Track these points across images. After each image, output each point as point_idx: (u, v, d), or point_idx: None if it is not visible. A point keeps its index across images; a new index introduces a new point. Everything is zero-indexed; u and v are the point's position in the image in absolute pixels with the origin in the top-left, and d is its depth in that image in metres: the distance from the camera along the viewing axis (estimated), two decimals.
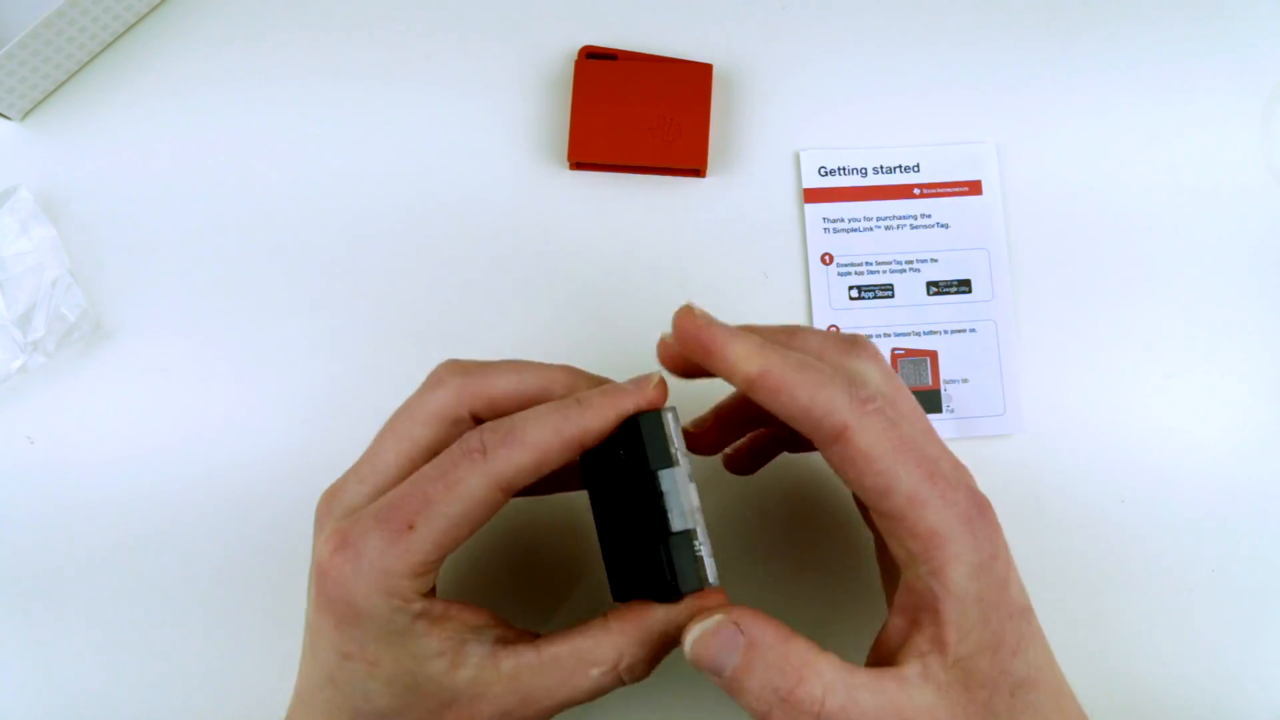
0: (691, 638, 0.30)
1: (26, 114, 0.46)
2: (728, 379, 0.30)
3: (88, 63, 0.47)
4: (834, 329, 0.45)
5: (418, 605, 0.30)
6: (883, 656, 0.31)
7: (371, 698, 0.31)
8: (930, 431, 0.32)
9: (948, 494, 0.29)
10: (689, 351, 0.30)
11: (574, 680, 0.31)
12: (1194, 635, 0.43)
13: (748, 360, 0.30)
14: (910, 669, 0.30)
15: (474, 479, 0.30)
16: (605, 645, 0.31)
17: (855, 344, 0.33)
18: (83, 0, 0.43)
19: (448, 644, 0.31)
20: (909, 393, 0.33)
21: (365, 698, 0.31)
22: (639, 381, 0.32)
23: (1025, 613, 0.31)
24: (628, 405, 0.31)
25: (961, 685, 0.30)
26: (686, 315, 0.30)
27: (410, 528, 0.30)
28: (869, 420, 0.29)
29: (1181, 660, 0.42)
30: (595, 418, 0.31)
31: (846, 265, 0.45)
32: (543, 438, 0.30)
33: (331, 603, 0.30)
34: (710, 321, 0.30)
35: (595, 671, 0.31)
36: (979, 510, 0.30)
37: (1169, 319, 0.45)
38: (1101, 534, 0.43)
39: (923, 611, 0.30)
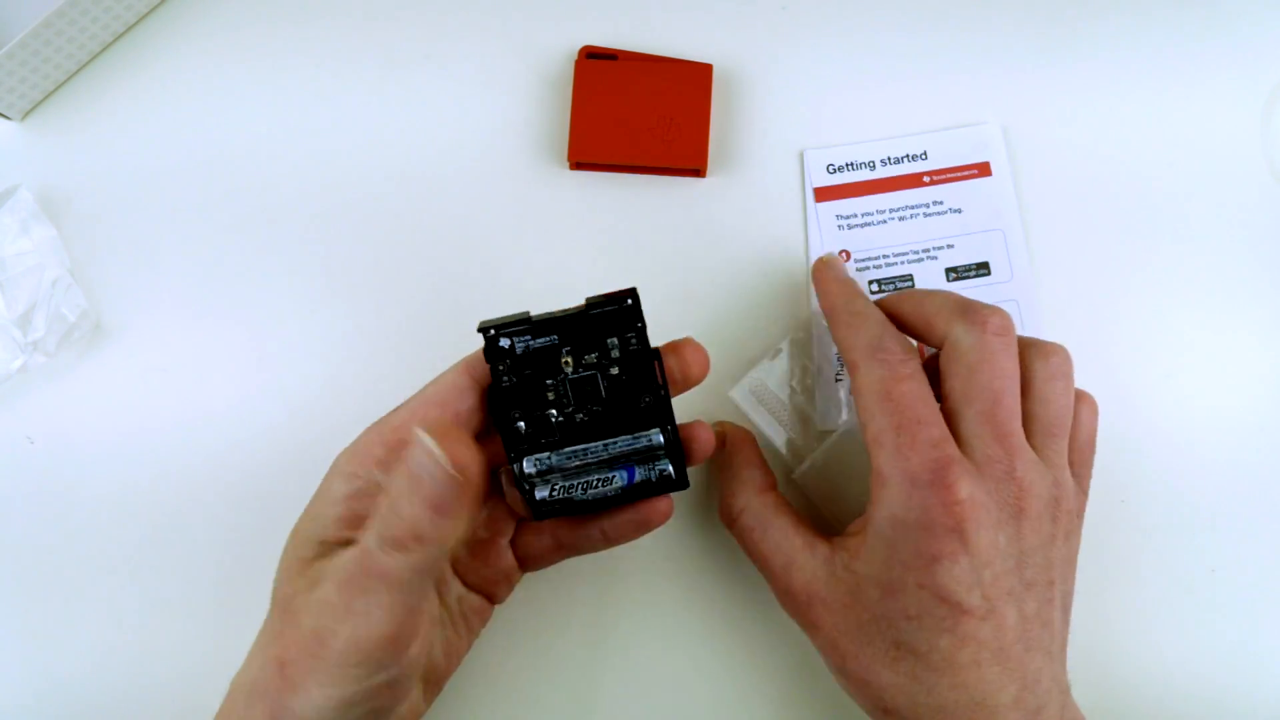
0: (716, 427, 0.41)
1: (26, 114, 0.46)
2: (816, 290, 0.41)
3: (88, 63, 0.47)
4: None
5: (357, 482, 0.34)
6: (838, 533, 0.37)
7: (277, 570, 0.34)
8: (999, 420, 0.34)
9: (905, 449, 0.33)
10: (815, 278, 0.41)
11: (355, 552, 0.31)
12: (1196, 633, 0.43)
13: (818, 282, 0.41)
14: (823, 547, 0.36)
15: (451, 369, 0.36)
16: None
17: (974, 307, 0.36)
18: (83, 0, 0.43)
19: (337, 534, 0.33)
20: (1006, 373, 0.35)
21: (277, 569, 0.34)
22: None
23: (948, 604, 0.32)
24: None
25: (848, 588, 0.35)
26: (822, 261, 0.42)
27: (396, 408, 0.35)
28: (870, 365, 0.35)
29: (1182, 659, 0.42)
30: None
31: (864, 260, 0.45)
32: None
33: None
34: (829, 263, 0.42)
35: (363, 532, 0.31)
36: (931, 478, 0.33)
37: (1188, 278, 0.45)
38: (1109, 525, 0.43)
39: (861, 525, 0.35)
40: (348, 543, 0.32)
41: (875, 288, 0.45)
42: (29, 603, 0.43)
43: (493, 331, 0.34)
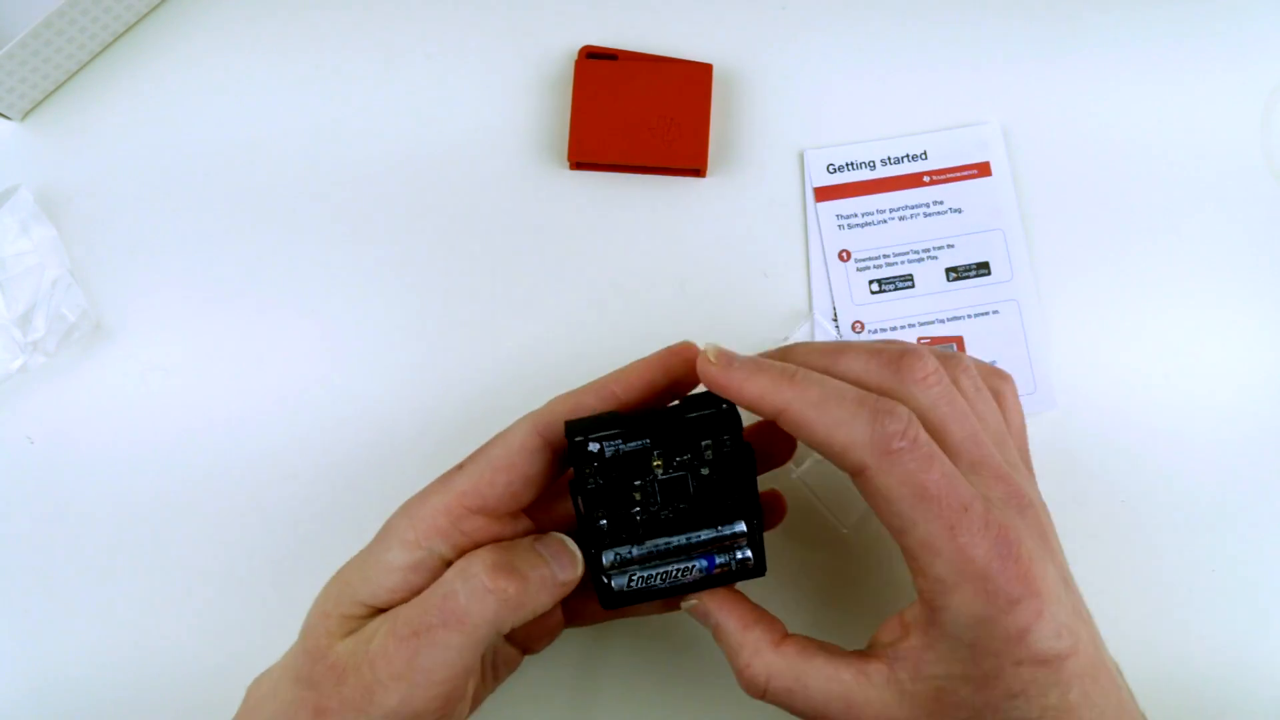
0: (684, 605, 0.35)
1: (26, 114, 0.46)
2: (755, 414, 0.32)
3: (88, 63, 0.47)
4: (858, 325, 0.45)
5: (418, 554, 0.32)
6: (874, 644, 0.33)
7: (310, 614, 0.34)
8: (985, 459, 0.32)
9: (967, 547, 0.30)
10: (713, 389, 0.32)
11: (430, 597, 0.32)
12: (1197, 633, 0.43)
13: (764, 400, 0.31)
14: (877, 666, 0.32)
15: (517, 426, 0.34)
16: (454, 567, 0.32)
17: (902, 365, 0.32)
18: (83, 0, 0.43)
19: (390, 602, 0.33)
20: (968, 412, 0.33)
21: (311, 614, 0.34)
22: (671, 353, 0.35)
23: (1049, 663, 0.30)
24: (656, 358, 0.35)
25: (931, 698, 0.31)
26: (704, 363, 0.32)
27: (460, 469, 0.34)
28: (889, 462, 0.30)
29: (1182, 659, 0.42)
30: (629, 371, 0.35)
31: (865, 260, 0.45)
32: (579, 389, 0.34)
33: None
34: (728, 363, 0.32)
35: (447, 576, 0.32)
36: (1000, 562, 0.30)
37: (1188, 278, 0.45)
38: (1109, 525, 0.43)
39: (916, 628, 0.32)
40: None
41: (876, 287, 0.45)
42: (28, 602, 0.43)
43: (579, 438, 0.32)
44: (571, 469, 0.33)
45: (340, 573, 0.34)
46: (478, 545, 0.33)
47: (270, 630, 0.42)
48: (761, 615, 0.34)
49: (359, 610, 0.33)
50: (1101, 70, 0.47)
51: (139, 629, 0.43)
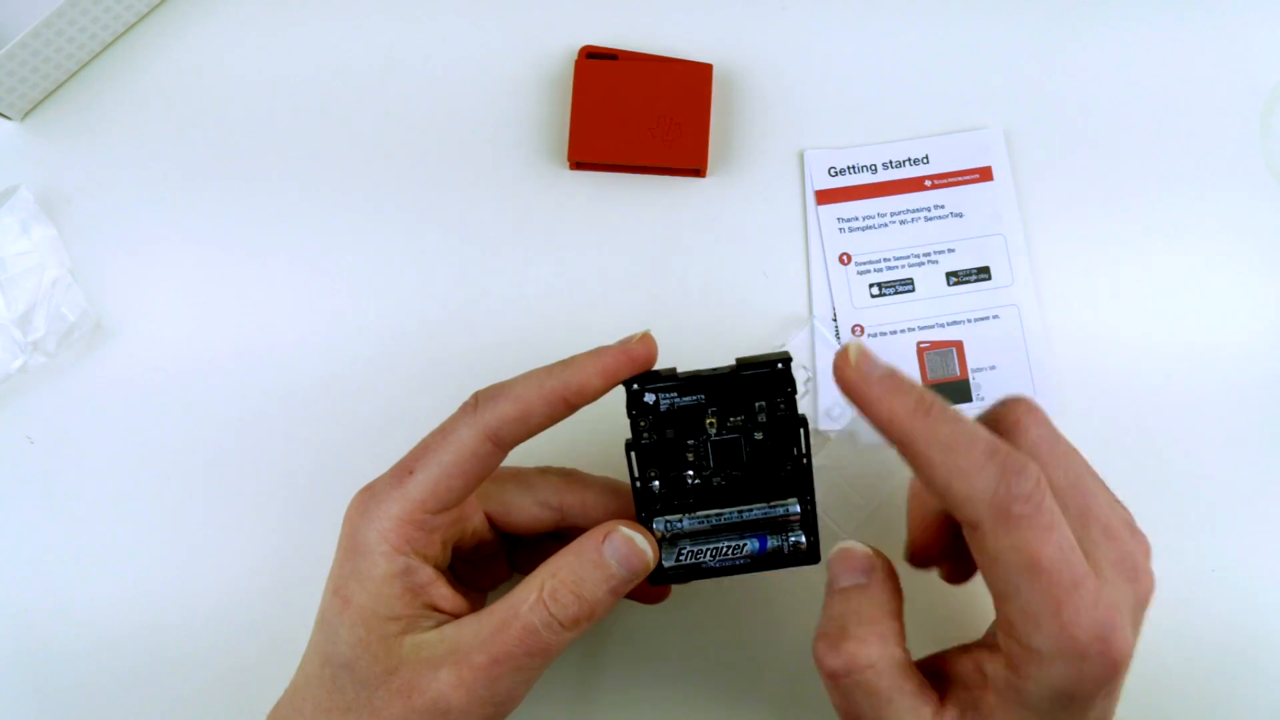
0: (840, 545, 0.33)
1: (26, 114, 0.46)
2: (875, 429, 0.30)
3: (88, 63, 0.47)
4: (858, 328, 0.45)
5: (402, 561, 0.32)
6: (945, 674, 0.32)
7: (338, 642, 0.32)
8: (1090, 509, 0.31)
9: (1070, 626, 0.28)
10: (845, 394, 0.30)
11: (507, 628, 0.32)
12: (1197, 633, 0.43)
13: (892, 424, 0.30)
14: (954, 712, 0.31)
15: (465, 429, 0.33)
16: (530, 583, 0.32)
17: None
18: (83, 0, 0.43)
19: (409, 609, 0.33)
20: (1071, 450, 0.32)
21: (333, 641, 0.33)
22: (624, 340, 0.33)
23: None
24: (609, 361, 0.33)
25: None
26: (842, 363, 0.30)
27: (410, 473, 0.33)
28: (1007, 526, 0.28)
29: (1182, 659, 0.43)
30: (577, 374, 0.33)
31: (865, 263, 0.45)
32: (526, 391, 0.33)
33: (341, 539, 0.34)
34: (866, 374, 0.30)
35: (524, 608, 0.32)
36: (1100, 646, 0.28)
37: (1190, 283, 0.45)
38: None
39: (995, 689, 0.30)
40: (426, 612, 0.33)
41: (876, 290, 0.45)
42: (27, 601, 0.43)
43: (636, 386, 0.33)
44: None
45: (340, 595, 0.33)
46: (445, 540, 0.34)
47: (271, 629, 0.43)
48: (901, 611, 0.32)
49: (396, 627, 0.33)
50: (1103, 74, 0.47)
51: (140, 629, 0.43)
